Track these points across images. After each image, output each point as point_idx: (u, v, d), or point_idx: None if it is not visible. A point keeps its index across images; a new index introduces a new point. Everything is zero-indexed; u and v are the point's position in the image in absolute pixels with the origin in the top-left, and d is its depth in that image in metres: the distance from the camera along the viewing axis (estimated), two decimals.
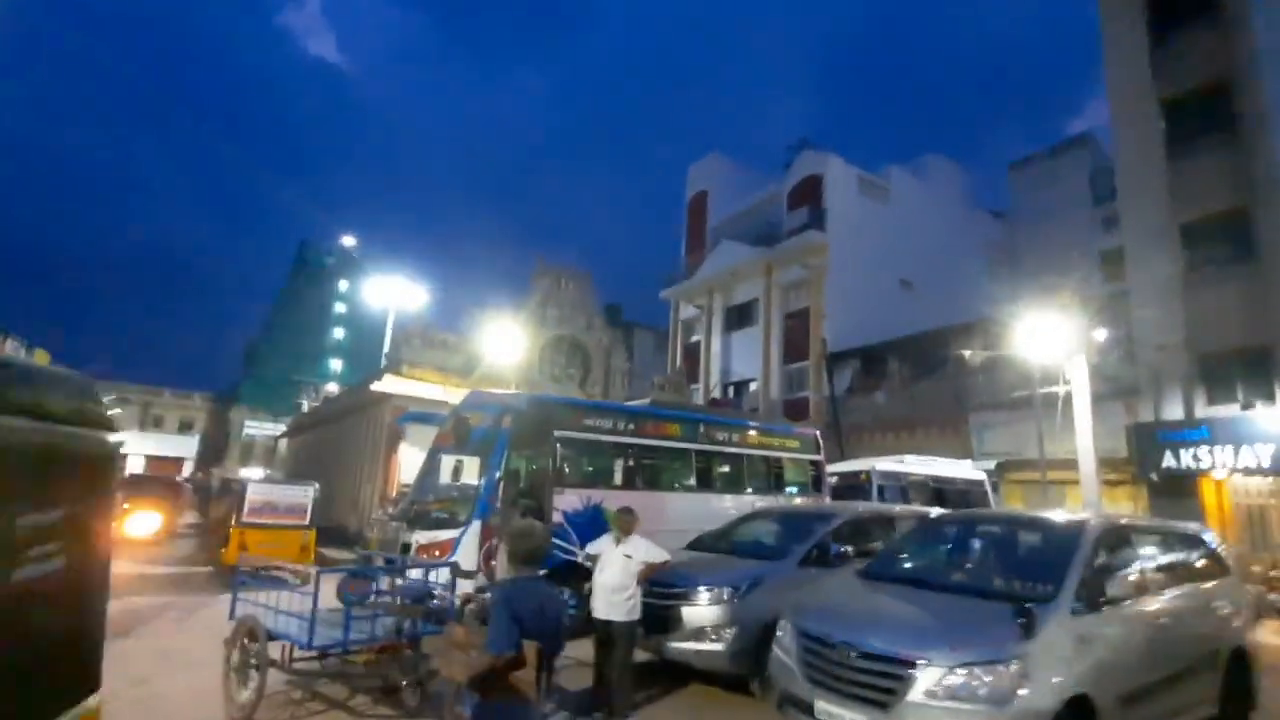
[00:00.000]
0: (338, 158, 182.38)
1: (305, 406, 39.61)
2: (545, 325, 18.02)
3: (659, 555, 5.23)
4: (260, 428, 54.37)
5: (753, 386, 27.97)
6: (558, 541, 7.83)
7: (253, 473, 48.52)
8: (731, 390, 28.76)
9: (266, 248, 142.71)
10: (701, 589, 5.59)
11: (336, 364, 62.85)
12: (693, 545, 7.18)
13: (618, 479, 8.82)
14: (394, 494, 16.06)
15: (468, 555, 7.25)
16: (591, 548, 5.66)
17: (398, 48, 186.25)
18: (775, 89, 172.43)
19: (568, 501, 8.09)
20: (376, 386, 15.50)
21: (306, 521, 11.65)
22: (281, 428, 53.70)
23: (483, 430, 7.98)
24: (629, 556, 5.18)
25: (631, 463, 8.88)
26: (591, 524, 8.13)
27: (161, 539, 14.71)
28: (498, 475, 7.62)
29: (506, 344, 16.03)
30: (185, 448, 55.90)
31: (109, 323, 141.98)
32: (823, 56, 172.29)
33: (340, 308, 65.73)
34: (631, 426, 8.91)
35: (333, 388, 48.72)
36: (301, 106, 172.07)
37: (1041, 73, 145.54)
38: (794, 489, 10.56)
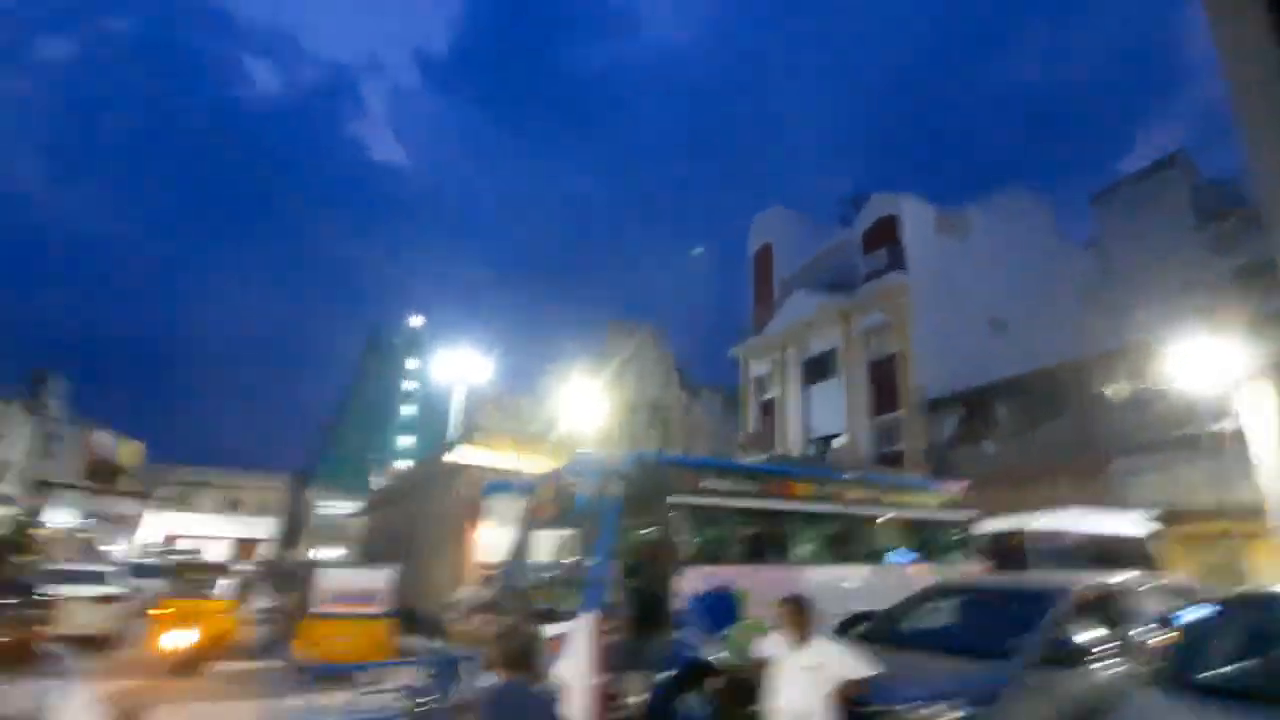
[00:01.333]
0: (406, 246, 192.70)
1: (375, 483, 39.57)
2: (622, 386, 17.11)
3: (862, 668, 3.86)
4: (333, 507, 54.89)
5: (837, 442, 26.08)
6: (683, 633, 6.50)
7: (325, 553, 48.57)
8: (815, 447, 26.96)
9: (341, 335, 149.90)
10: (920, 708, 4.08)
11: (407, 440, 63.66)
12: (854, 635, 5.74)
13: (747, 552, 7.48)
14: (476, 576, 14.98)
15: (579, 655, 6.00)
16: (755, 649, 4.35)
17: (453, 142, 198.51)
18: (823, 144, 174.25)
19: (690, 582, 6.78)
20: (450, 458, 14.72)
21: (383, 610, 10.63)
22: (354, 506, 54.25)
23: (585, 499, 6.85)
24: (815, 668, 3.84)
25: (761, 531, 7.56)
26: (719, 609, 6.80)
27: (206, 652, 10.36)
28: (609, 554, 6.42)
29: (584, 407, 15.10)
30: (263, 529, 56.87)
31: (196, 411, 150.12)
32: (865, 110, 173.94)
33: (409, 385, 67.20)
34: (759, 487, 7.63)
35: (402, 464, 48.93)
36: (369, 203, 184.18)
37: (1082, 112, 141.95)
38: (953, 555, 8.92)
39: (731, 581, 7.06)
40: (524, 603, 7.29)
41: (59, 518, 31.44)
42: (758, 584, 7.20)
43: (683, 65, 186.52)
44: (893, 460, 22.91)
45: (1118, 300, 27.56)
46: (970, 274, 25.59)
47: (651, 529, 6.93)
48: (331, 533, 56.27)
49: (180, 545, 49.58)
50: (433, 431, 62.84)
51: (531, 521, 8.36)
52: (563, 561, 7.39)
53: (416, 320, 70.04)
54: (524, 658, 2.71)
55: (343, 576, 10.52)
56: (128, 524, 37.19)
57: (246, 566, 36.52)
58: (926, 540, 8.89)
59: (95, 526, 35.24)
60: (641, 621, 6.50)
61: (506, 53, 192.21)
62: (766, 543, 7.60)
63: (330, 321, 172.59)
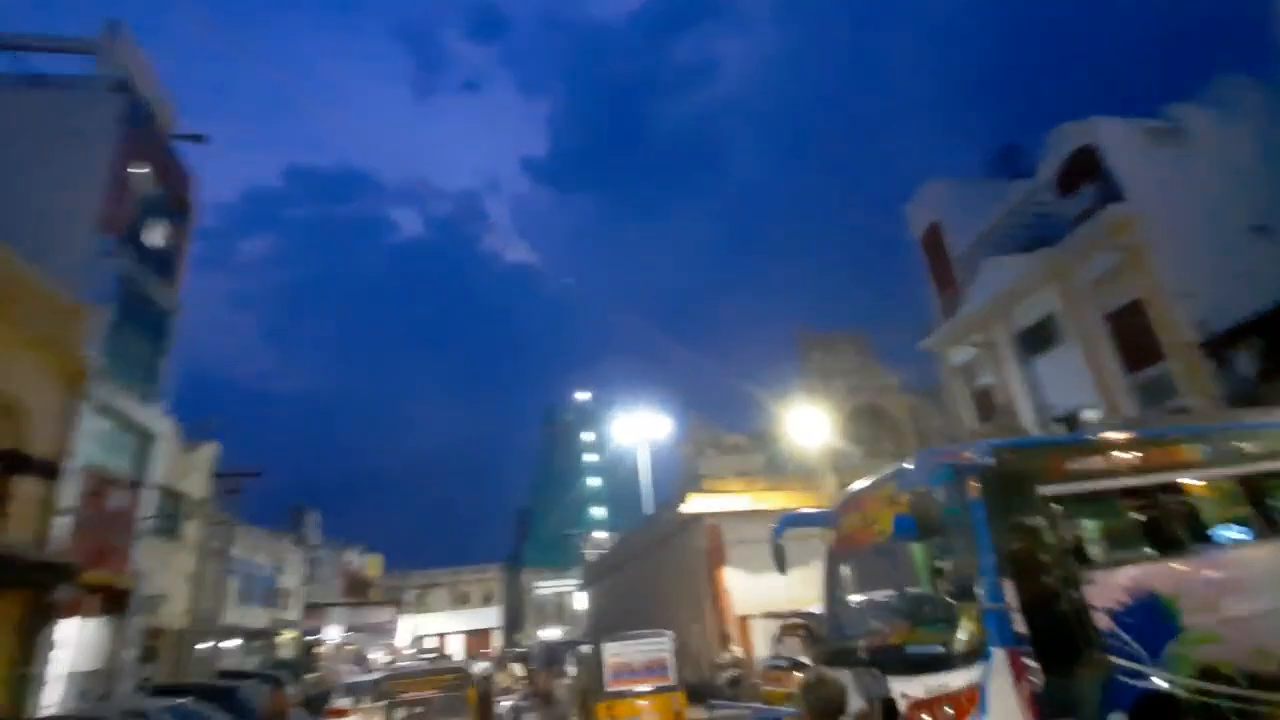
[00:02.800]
0: (554, 332, 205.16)
1: (589, 556, 40.16)
2: (835, 398, 15.62)
3: None
4: (548, 586, 56.75)
5: (1087, 414, 22.25)
6: (1120, 660, 4.94)
7: (550, 632, 49.81)
8: (1059, 427, 23.24)
9: (518, 427, 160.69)
10: None
11: (599, 511, 65.07)
12: None
13: (1145, 543, 5.77)
14: (735, 630, 13.88)
15: (1004, 707, 4.65)
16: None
17: (573, 231, 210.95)
18: (935, 125, 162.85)
19: (1106, 592, 5.23)
20: (685, 509, 13.97)
21: (673, 680, 9.81)
22: (566, 583, 55.79)
23: (931, 509, 5.59)
24: None
25: (1157, 515, 5.82)
26: (1147, 621, 5.20)
27: None
28: (995, 571, 5.08)
29: (807, 428, 13.82)
30: (490, 619, 60.10)
31: (412, 520, 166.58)
32: (976, 77, 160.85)
33: (589, 458, 69.20)
34: (1139, 460, 5.95)
35: (600, 534, 49.65)
36: (512, 303, 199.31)
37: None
38: None
39: (1148, 583, 5.40)
40: (855, 650, 6.08)
41: (330, 633, 34.89)
42: (1180, 582, 5.50)
43: (767, 93, 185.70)
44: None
45: None
46: (1204, 183, 21.32)
47: (1029, 531, 5.49)
48: (551, 611, 58.18)
49: (426, 645, 53.56)
50: (622, 498, 63.69)
51: (840, 553, 7.19)
52: (909, 592, 6.11)
53: (583, 395, 72.79)
54: (837, 709, 2.59)
55: (626, 649, 9.90)
56: (381, 630, 40.61)
57: (490, 655, 38.23)
58: None
59: (357, 638, 38.77)
60: (1055, 652, 5.04)
61: (595, 135, 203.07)
62: (1165, 528, 5.83)
63: (507, 416, 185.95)
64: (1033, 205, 25.11)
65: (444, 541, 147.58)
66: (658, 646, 10.04)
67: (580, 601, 44.49)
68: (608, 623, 25.79)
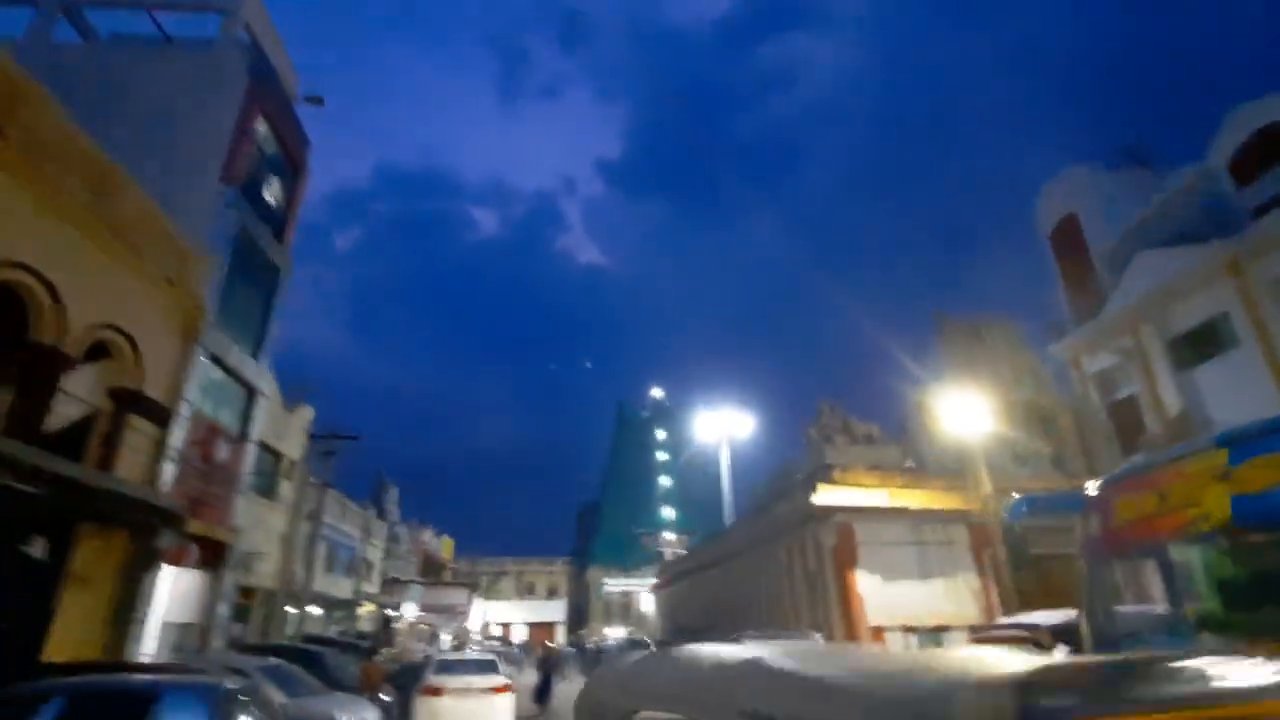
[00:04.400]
0: (626, 332, 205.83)
1: (667, 553, 38.86)
2: (989, 391, 13.72)
3: None
4: (616, 585, 55.85)
5: None
6: None
7: (615, 631, 48.76)
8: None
9: (590, 422, 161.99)
10: None
11: (668, 511, 63.73)
12: None
13: None
14: (868, 636, 12.21)
15: None
16: None
17: (645, 234, 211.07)
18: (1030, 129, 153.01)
19: None
20: (814, 499, 12.44)
21: None
22: (635, 583, 54.73)
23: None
24: None
25: None
26: None
27: None
28: None
29: (961, 419, 12.03)
30: (555, 612, 59.72)
31: (485, 510, 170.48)
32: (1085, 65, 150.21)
33: (662, 456, 68.00)
34: None
35: (669, 535, 48.27)
36: (587, 302, 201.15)
37: None
38: None
39: None
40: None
41: (407, 610, 34.98)
42: None
43: (847, 101, 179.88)
44: None
45: None
46: None
47: None
48: (618, 610, 57.25)
49: (493, 632, 53.65)
50: (694, 499, 62.15)
51: (1106, 550, 5.57)
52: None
53: (658, 392, 71.69)
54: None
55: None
56: (455, 612, 40.59)
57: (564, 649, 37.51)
58: None
59: (431, 617, 38.84)
60: None
61: (670, 140, 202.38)
62: None
63: (579, 412, 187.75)
64: (1201, 193, 22.13)
65: (509, 533, 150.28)
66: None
67: (649, 601, 43.26)
68: (693, 624, 24.37)
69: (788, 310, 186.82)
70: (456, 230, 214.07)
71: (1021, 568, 5.73)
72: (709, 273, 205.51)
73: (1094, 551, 5.63)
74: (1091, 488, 5.91)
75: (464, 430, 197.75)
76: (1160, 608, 5.28)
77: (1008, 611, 12.09)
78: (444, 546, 50.49)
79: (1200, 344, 21.44)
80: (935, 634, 12.48)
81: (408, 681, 14.02)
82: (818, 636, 8.79)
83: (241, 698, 6.63)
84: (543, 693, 15.43)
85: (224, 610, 16.52)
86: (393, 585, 35.48)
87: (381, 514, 37.09)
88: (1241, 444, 4.71)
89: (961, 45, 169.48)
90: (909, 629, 12.43)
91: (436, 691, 11.96)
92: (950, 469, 13.64)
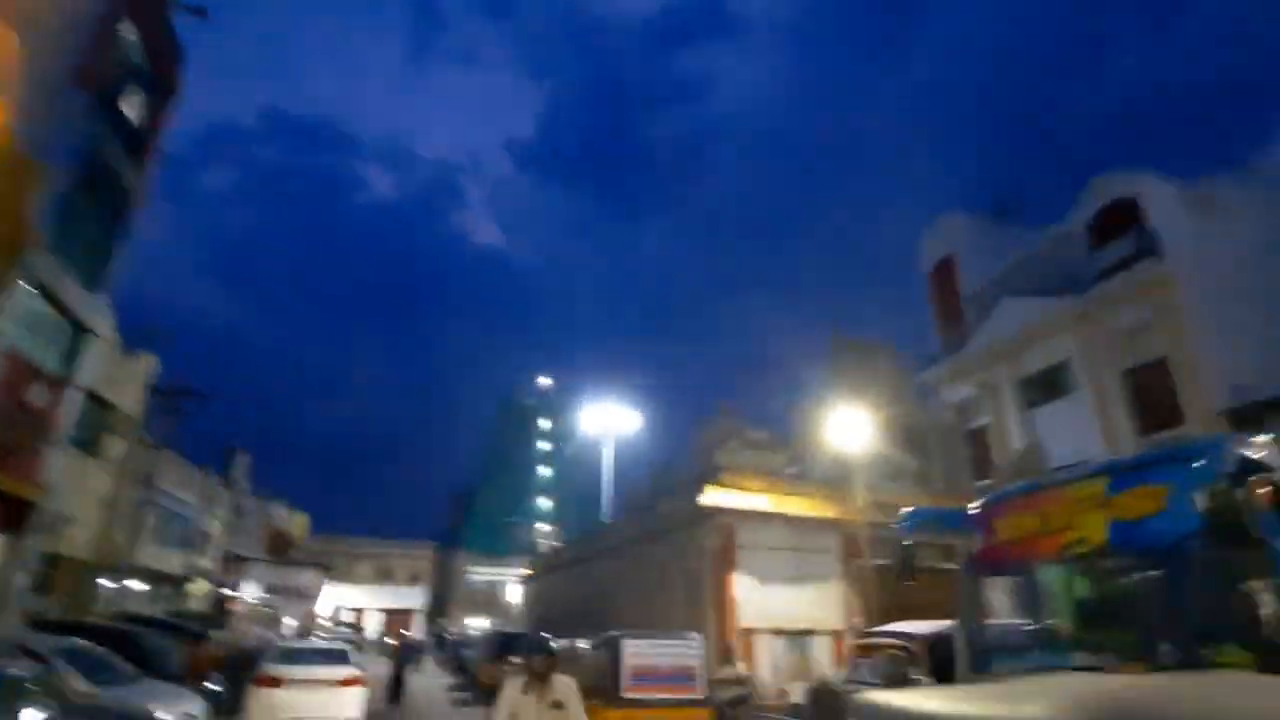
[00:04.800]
0: (518, 319, 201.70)
1: (543, 545, 38.23)
2: (866, 409, 14.41)
3: None
4: (483, 573, 54.34)
5: None
6: None
7: (478, 622, 47.50)
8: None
9: (469, 407, 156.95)
10: None
11: (545, 502, 62.92)
12: None
13: None
14: (739, 641, 12.43)
15: None
16: None
17: (551, 222, 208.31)
18: (917, 168, 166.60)
19: None
20: (702, 499, 12.50)
21: (701, 693, 8.29)
22: (504, 572, 53.44)
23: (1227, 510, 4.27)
24: None
25: None
26: None
27: None
28: None
29: (846, 433, 12.55)
30: (415, 599, 57.08)
31: (347, 490, 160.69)
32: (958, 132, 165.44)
33: (544, 446, 67.01)
34: None
35: (544, 526, 47.72)
36: (480, 284, 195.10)
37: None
38: None
39: None
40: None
41: (247, 590, 32.02)
42: None
43: (764, 115, 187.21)
44: None
45: None
46: (1233, 258, 21.13)
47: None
48: (482, 599, 55.66)
49: (344, 618, 50.43)
50: (573, 491, 61.81)
51: (984, 565, 5.82)
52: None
53: (546, 381, 70.45)
54: (839, 714, 2.40)
55: (654, 650, 8.31)
56: (303, 595, 37.67)
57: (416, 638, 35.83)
58: None
59: (275, 599, 35.82)
60: None
61: (585, 132, 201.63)
62: None
63: (458, 395, 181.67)
64: (1059, 250, 24.72)
65: (374, 514, 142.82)
66: (687, 650, 8.50)
67: (516, 592, 42.45)
68: (560, 619, 24.01)
69: (682, 315, 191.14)
70: (345, 189, 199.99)
71: (909, 578, 5.91)
72: (609, 270, 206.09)
73: (974, 566, 5.86)
74: (975, 506, 6.16)
75: (333, 401, 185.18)
76: (1026, 625, 5.57)
77: (869, 619, 12.72)
78: (297, 523, 46.81)
79: (1044, 387, 23.94)
80: (801, 638, 12.92)
81: (242, 669, 12.61)
82: (697, 637, 8.73)
83: (30, 686, 5.51)
84: (396, 688, 14.38)
85: (22, 580, 14.16)
86: (233, 562, 32.34)
87: (229, 483, 33.70)
88: (1120, 475, 5.01)
89: (870, 83, 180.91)
90: (779, 632, 12.78)
91: (275, 682, 10.79)
92: (829, 479, 14.19)
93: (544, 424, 67.44)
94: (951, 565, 15.39)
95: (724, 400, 14.59)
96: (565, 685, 4.71)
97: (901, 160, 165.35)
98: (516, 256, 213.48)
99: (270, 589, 36.59)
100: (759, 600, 12.76)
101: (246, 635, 25.65)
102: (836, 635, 13.09)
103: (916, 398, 17.45)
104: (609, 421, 33.96)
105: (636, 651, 8.29)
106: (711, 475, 12.90)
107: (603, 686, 8.30)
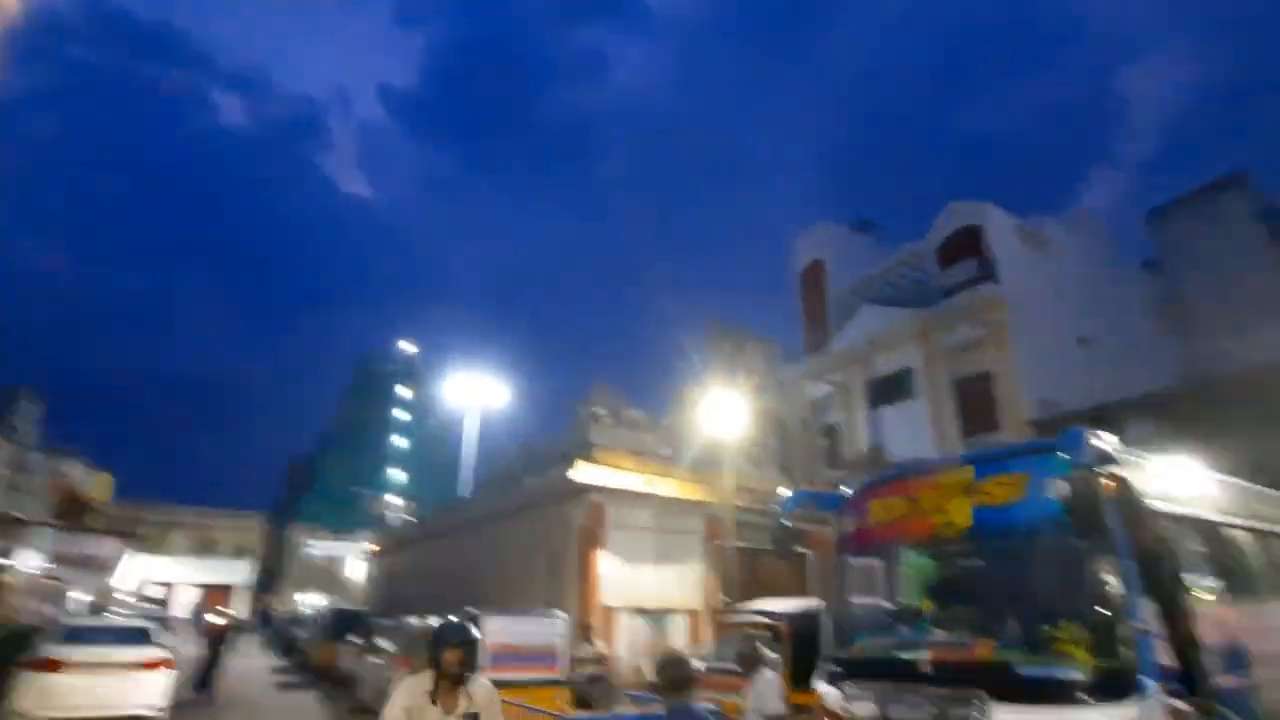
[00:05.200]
0: (379, 282, 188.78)
1: (393, 519, 36.13)
2: (738, 396, 14.80)
3: None
4: (322, 547, 50.55)
5: None
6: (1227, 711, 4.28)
7: (314, 600, 44.27)
8: None
9: (315, 370, 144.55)
10: None
11: (398, 474, 59.66)
12: None
13: (1227, 585, 5.26)
14: (601, 621, 12.33)
15: None
16: None
17: (418, 178, 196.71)
18: (796, 176, 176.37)
19: (1212, 631, 4.59)
20: (573, 475, 12.19)
21: (561, 674, 8.03)
22: (343, 545, 49.91)
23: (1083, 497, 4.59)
24: None
25: (1231, 556, 5.35)
26: (1235, 668, 4.67)
27: None
28: (1141, 590, 4.17)
29: (721, 418, 12.81)
30: (239, 573, 51.92)
31: (166, 448, 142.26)
32: (833, 147, 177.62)
33: (402, 416, 63.38)
34: (1228, 500, 5.46)
35: (395, 499, 45.43)
36: (340, 236, 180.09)
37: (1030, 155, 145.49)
38: None
39: (1234, 627, 4.90)
40: (901, 663, 5.00)
41: (26, 559, 27.33)
42: (1252, 630, 5.09)
43: (652, 105, 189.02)
44: None
45: (1194, 321, 26.53)
46: (1053, 289, 24.23)
47: (1159, 546, 4.64)
48: (319, 575, 51.72)
49: (149, 592, 44.76)
50: (428, 465, 59.14)
51: (853, 546, 6.04)
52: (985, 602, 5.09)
53: (408, 347, 66.44)
54: (686, 681, 3.06)
55: (515, 629, 7.88)
56: (99, 566, 32.87)
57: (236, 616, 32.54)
58: None
59: (64, 571, 30.98)
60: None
61: (469, 93, 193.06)
62: (1235, 572, 5.41)
63: (305, 353, 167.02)
64: (913, 267, 27.02)
65: (198, 478, 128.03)
66: (549, 630, 8.17)
67: (358, 568, 40.02)
68: (412, 596, 22.77)
69: (560, 293, 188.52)
70: (186, 109, 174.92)
71: (787, 556, 5.95)
72: (486, 240, 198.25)
73: (845, 547, 6.02)
74: (849, 490, 6.35)
75: (154, 349, 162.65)
76: (889, 604, 5.81)
77: (728, 598, 13.10)
78: (97, 484, 40.68)
79: (889, 390, 26.13)
80: (660, 616, 13.06)
81: (14, 651, 10.55)
82: (560, 616, 8.43)
83: None
84: (207, 675, 12.50)
85: None
86: (10, 526, 27.40)
87: (7, 432, 28.46)
88: (986, 463, 5.30)
89: (756, 84, 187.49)
90: (639, 611, 12.81)
91: (54, 666, 9.09)
92: (698, 461, 14.42)
93: (403, 392, 63.72)
94: (801, 549, 16.34)
95: (601, 376, 14.29)
96: (486, 693, 3.55)
97: (780, 162, 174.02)
98: (384, 212, 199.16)
99: (60, 559, 31.53)
100: (622, 579, 12.71)
101: (20, 611, 21.93)
102: (693, 614, 13.37)
103: (781, 389, 18.24)
104: (474, 394, 32.72)
105: (498, 629, 7.84)
106: (585, 450, 12.61)
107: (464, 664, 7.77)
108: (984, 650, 4.56)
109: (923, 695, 4.55)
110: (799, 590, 15.06)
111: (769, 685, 5.33)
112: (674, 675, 3.11)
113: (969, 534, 5.09)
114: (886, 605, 5.84)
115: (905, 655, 4.91)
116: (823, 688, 5.43)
